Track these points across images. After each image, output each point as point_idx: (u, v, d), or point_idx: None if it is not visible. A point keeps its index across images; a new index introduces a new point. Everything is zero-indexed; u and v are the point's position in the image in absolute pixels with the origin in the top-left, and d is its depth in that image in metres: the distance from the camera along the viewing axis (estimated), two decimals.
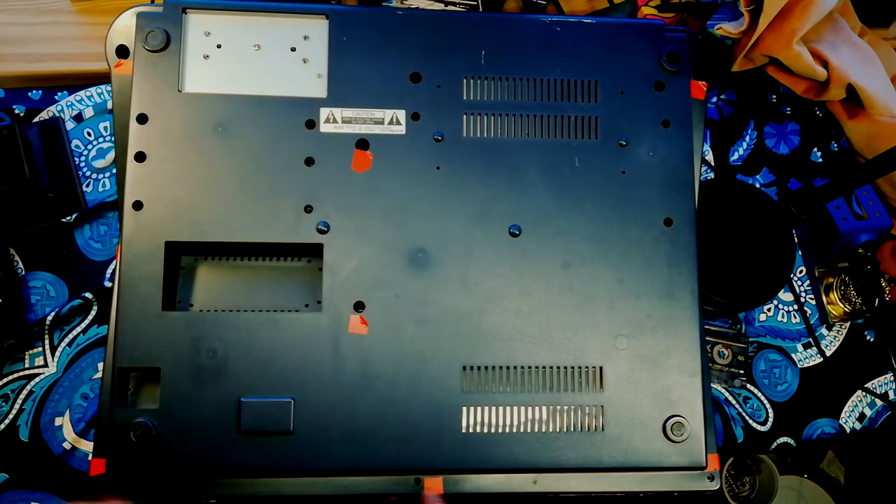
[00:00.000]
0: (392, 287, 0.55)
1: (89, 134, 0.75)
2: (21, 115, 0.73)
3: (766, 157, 0.86)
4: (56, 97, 0.75)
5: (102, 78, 0.75)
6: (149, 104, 0.55)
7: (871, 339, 0.82)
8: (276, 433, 0.53)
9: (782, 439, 0.77)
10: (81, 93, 0.76)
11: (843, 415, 0.79)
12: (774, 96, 0.88)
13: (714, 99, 0.87)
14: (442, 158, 0.57)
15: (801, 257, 0.83)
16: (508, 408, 0.55)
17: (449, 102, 0.58)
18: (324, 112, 0.57)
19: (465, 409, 0.54)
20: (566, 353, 0.56)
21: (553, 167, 0.58)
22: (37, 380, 0.68)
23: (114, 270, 0.71)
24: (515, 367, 0.55)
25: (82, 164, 0.74)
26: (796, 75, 0.82)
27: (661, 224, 0.58)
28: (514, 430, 0.55)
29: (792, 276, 0.82)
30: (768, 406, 0.78)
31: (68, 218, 0.71)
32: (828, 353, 0.81)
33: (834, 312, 0.81)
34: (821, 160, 0.87)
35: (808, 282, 0.83)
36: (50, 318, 0.68)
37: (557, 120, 0.59)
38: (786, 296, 0.82)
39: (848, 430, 0.79)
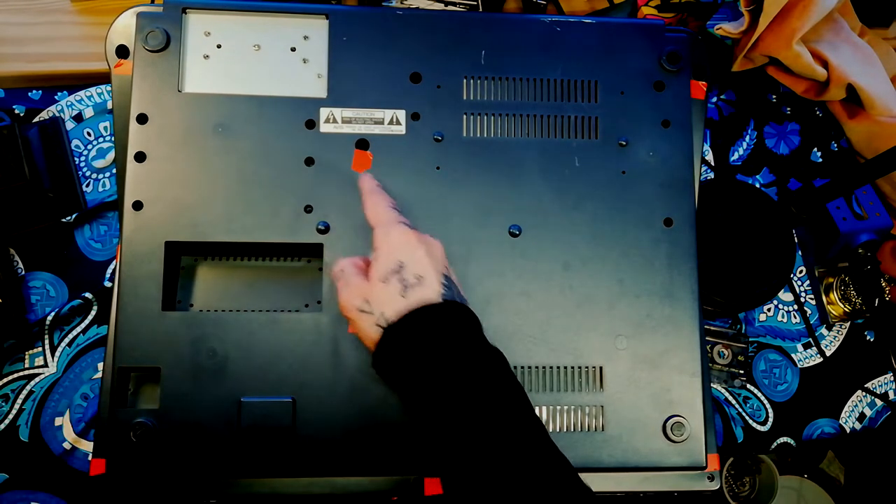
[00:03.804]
0: None
1: (89, 134, 0.75)
2: (21, 115, 0.73)
3: (766, 157, 0.86)
4: (56, 97, 0.75)
5: (102, 78, 0.75)
6: (149, 104, 0.55)
7: (871, 339, 0.82)
8: (276, 433, 0.53)
9: (782, 439, 0.77)
10: (81, 93, 0.76)
11: (843, 415, 0.79)
12: (774, 96, 0.88)
13: (714, 99, 0.87)
14: (442, 158, 0.57)
15: (801, 257, 0.83)
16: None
17: (449, 102, 0.58)
18: (324, 112, 0.57)
19: None
20: (566, 353, 0.56)
21: (553, 167, 0.58)
22: (37, 380, 0.68)
23: (114, 270, 0.71)
24: (515, 367, 0.55)
25: (82, 164, 0.74)
26: (796, 75, 0.82)
27: (661, 224, 0.58)
28: None
29: (792, 276, 0.82)
30: (768, 406, 0.78)
31: (68, 218, 0.71)
32: (828, 353, 0.81)
33: (834, 312, 0.81)
34: (821, 160, 0.87)
35: (808, 282, 0.83)
36: (50, 318, 0.68)
37: (557, 120, 0.59)
38: (786, 296, 0.82)
39: (848, 430, 0.79)
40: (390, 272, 0.46)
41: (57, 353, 0.69)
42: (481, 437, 0.42)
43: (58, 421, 0.67)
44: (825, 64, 0.80)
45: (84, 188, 0.73)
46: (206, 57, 0.57)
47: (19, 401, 0.67)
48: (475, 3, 0.82)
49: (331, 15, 0.58)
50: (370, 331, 0.46)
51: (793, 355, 0.80)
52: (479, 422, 0.42)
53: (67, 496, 0.65)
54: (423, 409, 0.44)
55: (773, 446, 0.77)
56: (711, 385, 0.76)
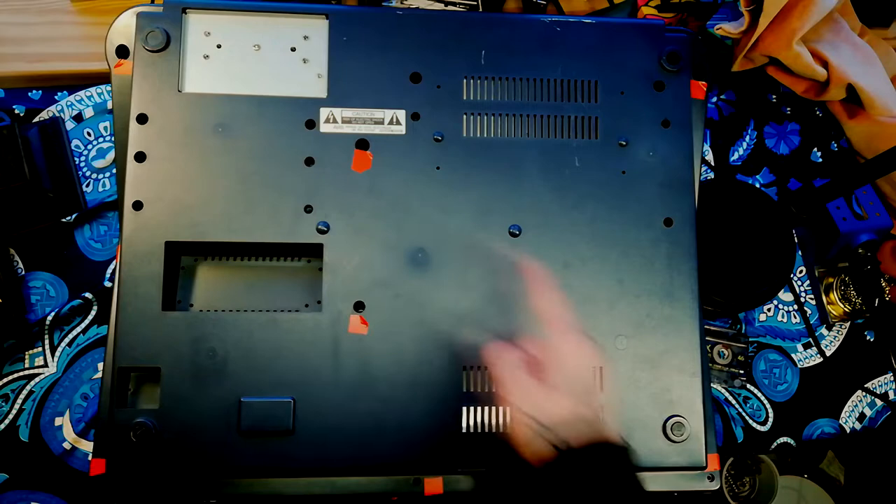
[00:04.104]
0: (392, 287, 0.55)
1: (89, 134, 0.75)
2: (21, 115, 0.73)
3: (766, 157, 0.86)
4: (56, 97, 0.75)
5: (102, 78, 0.75)
6: (149, 104, 0.55)
7: (871, 339, 0.82)
8: (276, 433, 0.53)
9: (782, 439, 0.77)
10: (81, 93, 0.76)
11: (843, 415, 0.79)
12: (774, 96, 0.88)
13: (714, 99, 0.87)
14: (442, 158, 0.57)
15: (801, 257, 0.83)
16: (509, 408, 0.55)
17: (449, 102, 0.58)
18: (324, 112, 0.57)
19: (465, 409, 0.54)
20: None
21: (553, 167, 0.58)
22: (37, 380, 0.68)
23: (114, 270, 0.71)
24: None
25: (82, 164, 0.74)
26: (796, 75, 0.82)
27: (661, 224, 0.58)
28: None
29: (792, 276, 0.82)
30: (768, 406, 0.78)
31: (68, 218, 0.71)
32: (828, 353, 0.81)
33: (834, 312, 0.81)
34: (821, 160, 0.87)
35: (808, 282, 0.83)
36: (50, 318, 0.68)
37: (557, 120, 0.59)
38: (786, 296, 0.82)
39: (848, 430, 0.79)
40: (572, 389, 0.44)
41: (57, 353, 0.69)
42: None
43: (58, 421, 0.67)
44: (825, 64, 0.80)
45: (84, 188, 0.73)
46: (206, 57, 0.57)
47: (19, 401, 0.67)
48: (475, 3, 0.82)
49: (331, 15, 0.58)
50: (537, 443, 0.43)
51: (793, 355, 0.80)
52: None
53: (67, 496, 0.65)
54: None
55: (773, 446, 0.77)
56: (711, 385, 0.76)
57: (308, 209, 0.55)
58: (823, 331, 0.82)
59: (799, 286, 0.82)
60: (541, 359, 0.45)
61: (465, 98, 0.58)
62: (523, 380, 0.45)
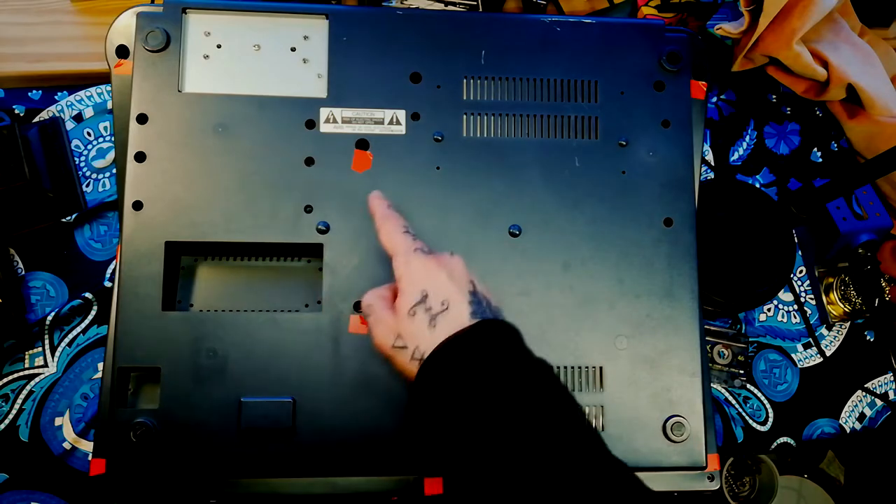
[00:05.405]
0: None
1: (89, 134, 0.75)
2: (21, 115, 0.73)
3: (766, 157, 0.86)
4: (56, 97, 0.75)
5: (102, 78, 0.75)
6: (149, 104, 0.55)
7: (871, 339, 0.82)
8: (276, 433, 0.53)
9: (782, 439, 0.77)
10: (81, 93, 0.76)
11: (843, 415, 0.79)
12: (774, 96, 0.88)
13: (714, 99, 0.87)
14: (442, 158, 0.57)
15: (801, 257, 0.83)
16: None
17: (449, 102, 0.58)
18: (324, 112, 0.57)
19: None
20: (566, 353, 0.56)
21: (553, 167, 0.58)
22: (37, 380, 0.68)
23: (114, 270, 0.71)
24: None
25: (82, 164, 0.74)
26: (796, 75, 0.82)
27: (661, 224, 0.58)
28: None
29: (792, 276, 0.82)
30: (768, 406, 0.78)
31: (68, 218, 0.71)
32: (828, 353, 0.81)
33: (834, 312, 0.81)
34: (821, 160, 0.87)
35: (808, 282, 0.83)
36: (50, 318, 0.68)
37: (557, 120, 0.59)
38: (786, 296, 0.82)
39: (848, 430, 0.79)
40: (415, 304, 0.45)
41: (57, 353, 0.69)
42: (531, 461, 0.40)
43: (58, 421, 0.67)
44: (825, 64, 0.80)
45: (84, 188, 0.73)
46: (206, 57, 0.57)
47: (19, 401, 0.67)
48: (475, 3, 0.82)
49: (331, 15, 0.58)
50: (409, 366, 0.45)
51: (793, 355, 0.80)
52: (526, 445, 0.40)
53: (67, 496, 0.65)
54: (464, 439, 0.42)
55: (773, 446, 0.77)
56: (711, 385, 0.76)
57: (308, 209, 0.55)
58: (823, 331, 0.82)
59: (799, 286, 0.82)
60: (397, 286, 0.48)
61: (465, 98, 0.58)
62: (384, 317, 0.47)
